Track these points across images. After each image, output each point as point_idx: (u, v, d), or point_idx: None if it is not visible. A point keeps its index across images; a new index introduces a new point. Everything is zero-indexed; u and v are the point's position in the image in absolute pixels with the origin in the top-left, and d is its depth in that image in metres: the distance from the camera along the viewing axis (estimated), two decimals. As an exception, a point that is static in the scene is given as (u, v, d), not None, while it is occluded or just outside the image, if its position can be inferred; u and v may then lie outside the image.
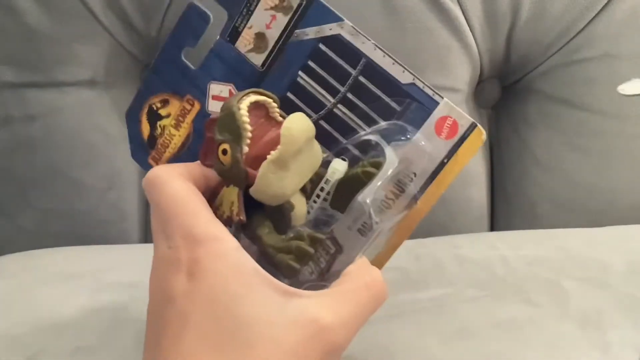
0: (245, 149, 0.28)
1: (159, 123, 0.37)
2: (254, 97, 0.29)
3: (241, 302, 0.24)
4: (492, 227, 0.64)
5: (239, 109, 0.28)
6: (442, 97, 0.32)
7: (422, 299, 0.43)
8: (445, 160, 0.32)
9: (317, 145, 0.30)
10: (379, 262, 0.33)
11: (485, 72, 0.62)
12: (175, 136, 0.37)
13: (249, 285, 0.24)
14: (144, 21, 0.59)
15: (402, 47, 0.56)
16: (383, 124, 0.33)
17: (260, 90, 0.30)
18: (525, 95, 0.62)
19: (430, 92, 0.32)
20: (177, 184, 0.27)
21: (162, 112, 0.37)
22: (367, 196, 0.30)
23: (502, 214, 0.64)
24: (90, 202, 0.59)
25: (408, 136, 0.32)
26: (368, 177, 0.31)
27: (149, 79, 0.37)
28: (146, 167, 0.38)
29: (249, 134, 0.28)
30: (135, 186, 0.61)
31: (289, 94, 0.34)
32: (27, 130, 0.58)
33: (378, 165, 0.31)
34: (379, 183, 0.31)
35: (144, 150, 0.38)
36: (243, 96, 0.29)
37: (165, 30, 0.59)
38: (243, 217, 0.28)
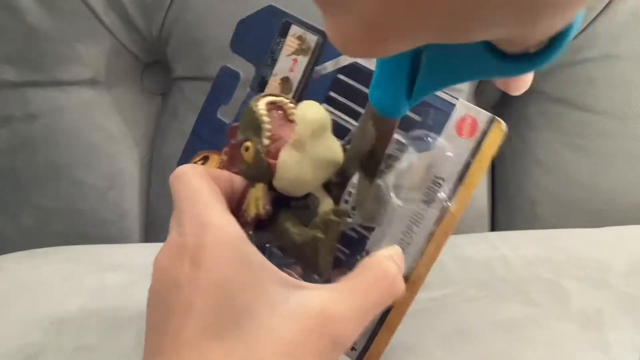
0: (266, 142, 0.29)
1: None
2: (270, 97, 0.30)
3: (245, 292, 0.24)
4: (493, 227, 0.64)
5: (257, 106, 0.30)
6: (457, 98, 0.32)
7: (422, 299, 0.43)
8: (471, 160, 0.32)
9: (334, 140, 0.31)
10: (418, 271, 0.32)
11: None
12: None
13: (253, 276, 0.24)
14: (145, 21, 0.59)
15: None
16: (407, 137, 0.33)
17: (275, 93, 0.31)
18: (526, 96, 0.62)
19: (445, 96, 0.33)
20: (199, 181, 0.27)
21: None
22: (387, 179, 0.32)
23: (502, 214, 0.64)
24: (91, 201, 0.59)
25: (430, 142, 0.32)
26: (388, 167, 0.32)
27: (190, 141, 0.40)
28: None
29: (268, 126, 0.29)
30: (135, 185, 0.61)
31: None
32: (28, 129, 0.58)
33: (395, 159, 0.32)
34: (399, 166, 0.32)
35: None
36: (260, 98, 0.30)
37: (165, 30, 0.59)
38: (269, 207, 0.29)
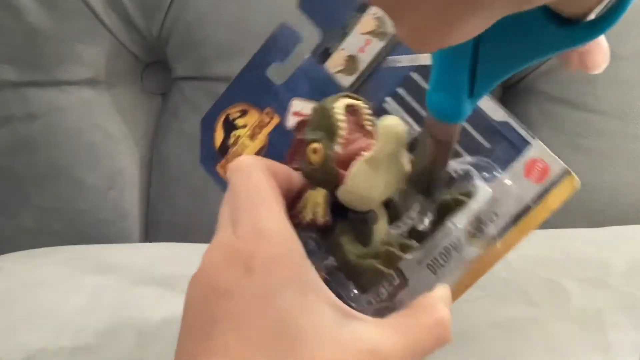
0: (338, 149, 0.27)
1: (234, 133, 0.37)
2: (348, 100, 0.28)
3: (298, 314, 0.23)
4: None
5: (335, 107, 0.28)
6: (535, 138, 0.31)
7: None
8: (531, 205, 0.30)
9: (407, 156, 0.29)
10: None
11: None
12: (248, 147, 0.37)
13: (308, 297, 0.23)
14: (145, 21, 0.59)
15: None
16: (469, 158, 0.31)
17: (353, 94, 0.29)
18: (526, 96, 0.62)
19: (523, 133, 0.31)
20: (261, 176, 0.26)
21: (239, 122, 0.37)
22: (459, 221, 0.29)
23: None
24: (91, 201, 0.59)
25: (494, 174, 0.31)
26: (459, 205, 0.29)
27: (230, 90, 0.37)
28: (214, 174, 0.38)
29: (343, 133, 0.27)
30: (135, 185, 0.61)
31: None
32: (28, 129, 0.58)
33: (469, 194, 0.30)
34: (474, 207, 0.29)
35: (214, 158, 0.38)
36: (338, 98, 0.28)
37: (166, 30, 0.59)
38: (329, 219, 0.27)
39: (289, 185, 0.28)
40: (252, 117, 0.36)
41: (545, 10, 0.20)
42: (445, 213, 0.29)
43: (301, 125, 0.29)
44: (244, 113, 0.37)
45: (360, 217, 0.28)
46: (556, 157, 0.30)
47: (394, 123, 0.28)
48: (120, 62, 0.60)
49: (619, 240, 0.51)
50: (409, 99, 0.33)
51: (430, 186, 0.28)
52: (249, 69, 0.37)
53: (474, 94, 0.23)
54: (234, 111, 0.37)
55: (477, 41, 0.22)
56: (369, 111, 0.29)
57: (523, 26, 0.20)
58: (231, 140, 0.37)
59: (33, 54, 0.57)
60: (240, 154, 0.37)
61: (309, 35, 0.35)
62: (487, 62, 0.22)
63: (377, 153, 0.27)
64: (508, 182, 0.31)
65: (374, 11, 0.33)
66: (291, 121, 0.36)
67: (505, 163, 0.31)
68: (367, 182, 0.27)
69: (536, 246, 0.51)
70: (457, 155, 0.31)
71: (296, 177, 0.29)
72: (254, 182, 0.26)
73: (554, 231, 0.54)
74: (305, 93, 0.35)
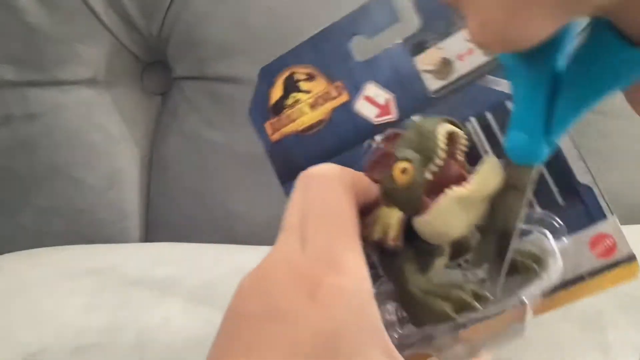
0: (430, 177, 0.26)
1: (294, 94, 0.34)
2: (451, 127, 0.27)
3: (351, 354, 0.21)
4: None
5: (438, 133, 0.26)
6: (613, 214, 0.29)
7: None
8: (586, 277, 0.29)
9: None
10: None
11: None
12: (306, 115, 0.34)
13: (366, 342, 0.22)
14: (145, 20, 0.59)
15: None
16: (539, 210, 0.30)
17: (455, 121, 0.28)
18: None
19: (603, 204, 0.30)
20: (342, 195, 0.25)
21: (303, 85, 0.34)
22: (526, 294, 0.28)
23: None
24: (91, 201, 0.59)
25: (559, 235, 0.29)
26: (525, 271, 0.28)
27: (302, 47, 0.34)
28: (260, 129, 0.35)
29: (440, 162, 0.26)
30: (135, 185, 0.61)
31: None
32: (28, 129, 0.58)
33: (539, 261, 0.28)
34: (545, 284, 0.28)
35: (264, 113, 0.35)
36: (440, 122, 0.27)
37: (166, 30, 0.59)
38: (400, 244, 0.26)
39: (365, 200, 0.27)
40: (319, 86, 0.34)
41: (617, 33, 0.19)
42: (512, 273, 0.27)
43: (392, 137, 0.28)
44: (310, 77, 0.34)
45: (426, 248, 0.27)
46: (626, 240, 0.29)
47: (496, 168, 0.26)
48: (120, 62, 0.60)
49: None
50: (494, 126, 0.31)
51: (502, 236, 0.27)
52: (330, 32, 0.33)
53: (551, 132, 0.23)
54: (300, 71, 0.34)
55: (554, 75, 0.21)
56: (466, 142, 0.27)
57: (597, 54, 0.20)
58: (289, 101, 0.34)
59: (33, 54, 0.57)
60: (294, 120, 0.34)
61: (408, 18, 0.31)
62: (564, 96, 0.22)
63: (471, 193, 0.25)
64: (570, 247, 0.29)
65: None
66: (360, 105, 0.33)
67: (573, 227, 0.29)
68: (451, 219, 0.26)
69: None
70: (529, 205, 0.30)
71: (374, 190, 0.27)
72: (335, 200, 0.24)
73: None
74: (383, 80, 0.32)
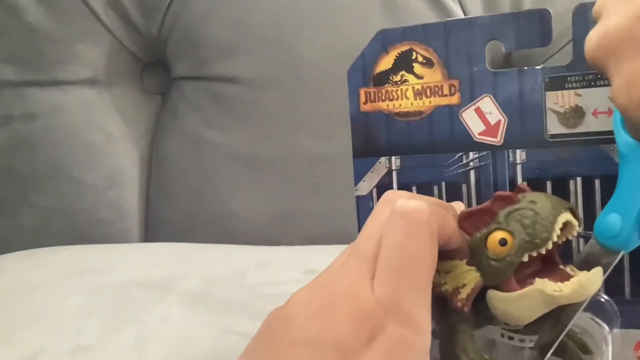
0: (526, 259, 0.24)
1: (403, 72, 0.32)
2: (569, 217, 0.25)
3: None
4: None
5: (557, 225, 0.24)
6: None
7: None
8: None
9: None
10: None
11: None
12: (407, 100, 0.32)
13: None
14: (144, 20, 0.59)
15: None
16: (605, 296, 0.28)
17: (574, 209, 0.25)
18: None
19: None
20: (428, 243, 0.24)
21: (418, 69, 0.31)
22: None
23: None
24: (91, 201, 0.59)
25: (612, 325, 0.28)
26: (571, 357, 0.27)
27: (434, 28, 0.31)
28: (354, 92, 0.33)
29: (543, 252, 0.24)
30: (135, 185, 0.61)
31: (547, 183, 0.30)
32: (28, 129, 0.58)
33: (588, 353, 0.27)
34: None
35: (364, 77, 0.32)
36: (563, 209, 0.24)
37: (165, 30, 0.59)
38: (467, 309, 0.25)
39: (445, 246, 0.25)
40: (434, 76, 0.31)
41: None
42: (558, 354, 0.26)
43: (503, 200, 0.26)
44: (429, 63, 0.31)
45: (487, 313, 0.26)
46: None
47: (599, 280, 0.24)
48: (120, 62, 0.60)
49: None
50: (597, 196, 0.29)
51: (562, 314, 0.25)
52: (469, 25, 0.30)
53: (635, 220, 0.23)
54: (422, 52, 0.31)
55: None
56: (576, 233, 0.25)
57: None
58: (397, 77, 0.32)
59: (33, 54, 0.57)
60: (393, 99, 0.32)
61: (560, 47, 0.30)
62: None
63: (559, 299, 0.24)
64: (617, 337, 0.28)
65: None
66: (467, 114, 0.31)
67: (629, 323, 0.28)
68: (528, 309, 0.24)
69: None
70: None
71: (458, 238, 0.26)
72: (418, 247, 0.23)
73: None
74: (503, 99, 0.30)
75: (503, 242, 0.24)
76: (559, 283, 0.24)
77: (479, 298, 0.25)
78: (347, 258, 0.24)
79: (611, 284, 0.28)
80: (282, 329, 0.23)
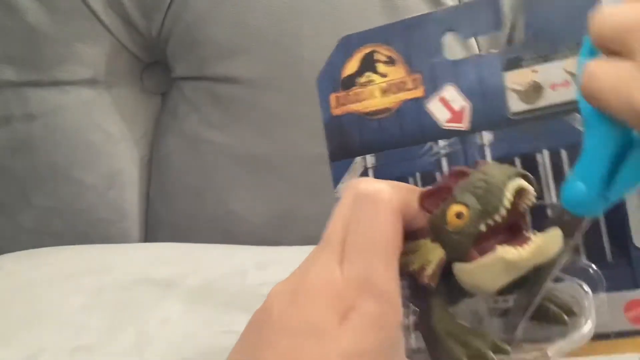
0: (483, 228, 0.25)
1: (368, 74, 0.33)
2: (521, 184, 0.25)
3: None
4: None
5: (507, 191, 0.24)
6: None
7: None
8: (612, 336, 0.28)
9: None
10: None
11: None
12: (375, 98, 0.33)
13: None
14: (145, 21, 0.59)
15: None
16: (584, 261, 0.29)
17: (527, 175, 0.26)
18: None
19: None
20: (392, 222, 0.25)
21: (381, 68, 0.33)
22: (551, 349, 0.27)
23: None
24: (91, 201, 0.59)
25: (597, 290, 0.28)
26: (556, 322, 0.27)
27: (392, 28, 0.32)
28: (324, 99, 0.34)
29: (499, 219, 0.24)
30: (135, 185, 0.61)
31: (516, 159, 0.30)
32: (28, 129, 0.58)
33: (571, 315, 0.27)
34: (575, 340, 0.27)
35: (333, 83, 0.33)
36: (513, 176, 0.25)
37: (165, 30, 0.59)
38: (434, 284, 0.25)
39: (410, 226, 0.26)
40: (397, 73, 0.32)
41: None
42: (542, 321, 0.27)
43: (457, 175, 0.26)
44: (391, 62, 0.32)
45: (459, 286, 0.26)
46: None
47: (557, 241, 0.25)
48: (120, 62, 0.60)
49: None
50: (565, 166, 0.29)
51: (538, 274, 0.26)
52: (425, 21, 0.32)
53: (610, 190, 0.23)
54: (383, 52, 0.32)
55: (630, 137, 0.22)
56: (534, 199, 0.26)
57: None
58: (362, 79, 0.33)
59: (33, 54, 0.57)
60: (362, 100, 0.33)
61: (512, 29, 0.30)
62: (632, 161, 0.22)
63: (521, 261, 0.24)
64: (605, 302, 0.28)
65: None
66: (432, 104, 0.32)
67: (614, 286, 0.28)
68: (493, 278, 0.25)
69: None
70: (576, 250, 0.29)
71: (421, 218, 0.26)
72: (382, 225, 0.24)
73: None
74: (465, 86, 0.31)
75: (459, 215, 0.25)
76: (518, 247, 0.24)
77: (451, 274, 0.26)
78: (317, 247, 0.25)
79: (592, 250, 0.29)
80: (262, 322, 0.24)
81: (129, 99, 0.62)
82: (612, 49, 0.20)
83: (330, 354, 0.22)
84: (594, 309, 0.27)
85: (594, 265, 0.29)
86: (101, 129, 0.59)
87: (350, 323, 0.22)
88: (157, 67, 0.63)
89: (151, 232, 0.62)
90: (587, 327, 0.27)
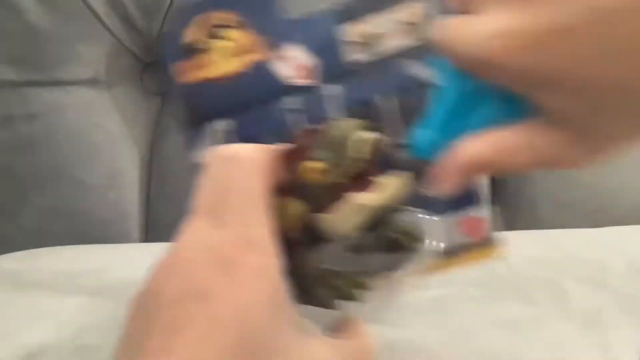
0: (339, 180, 0.27)
1: (214, 40, 0.33)
2: (363, 136, 0.28)
3: (269, 332, 0.23)
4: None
5: (350, 140, 0.27)
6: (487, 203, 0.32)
7: (423, 299, 0.43)
8: (457, 251, 0.32)
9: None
10: None
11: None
12: (223, 63, 0.33)
13: (278, 316, 0.23)
14: (145, 21, 0.59)
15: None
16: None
17: (373, 123, 0.29)
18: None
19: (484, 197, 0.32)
20: (259, 180, 0.26)
21: (224, 33, 0.33)
22: (403, 270, 0.30)
23: (502, 214, 0.64)
24: (91, 201, 0.59)
25: (436, 213, 0.31)
26: (403, 248, 0.30)
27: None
28: (170, 62, 0.35)
29: (347, 169, 0.27)
30: (135, 186, 0.61)
31: (361, 107, 0.33)
32: (29, 129, 0.58)
33: (413, 239, 0.30)
34: (418, 259, 0.30)
35: (177, 52, 0.34)
36: (355, 127, 0.28)
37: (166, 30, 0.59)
38: (298, 235, 0.28)
39: (276, 185, 0.28)
40: (244, 38, 0.33)
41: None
42: (394, 250, 0.30)
43: (310, 133, 0.29)
44: (233, 26, 0.33)
45: (322, 235, 0.28)
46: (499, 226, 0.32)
47: (403, 186, 0.28)
48: (120, 62, 0.60)
49: (619, 240, 0.51)
50: (397, 111, 0.32)
51: (389, 215, 0.29)
52: None
53: (445, 134, 0.25)
54: (224, 17, 0.33)
55: (479, 90, 0.24)
56: (380, 146, 0.28)
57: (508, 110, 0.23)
58: (207, 45, 0.33)
59: (33, 54, 0.57)
60: (205, 66, 0.34)
61: None
62: (475, 114, 0.24)
63: (371, 204, 0.27)
64: (442, 223, 0.32)
65: (422, 7, 0.32)
66: (278, 64, 0.33)
67: (452, 207, 0.32)
68: (348, 222, 0.27)
69: (536, 246, 0.51)
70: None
71: (283, 176, 0.28)
72: (250, 184, 0.25)
73: (554, 231, 0.54)
74: (306, 43, 0.33)
75: (316, 170, 0.27)
76: (370, 193, 0.27)
77: (314, 224, 0.28)
78: (187, 218, 0.26)
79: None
80: (144, 303, 0.24)
81: (129, 98, 0.62)
82: (462, 9, 0.22)
83: (222, 312, 0.22)
84: (434, 231, 0.31)
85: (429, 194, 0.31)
86: (102, 129, 0.59)
87: (235, 278, 0.23)
88: (157, 67, 0.63)
89: (151, 232, 0.62)
90: (427, 247, 0.31)
